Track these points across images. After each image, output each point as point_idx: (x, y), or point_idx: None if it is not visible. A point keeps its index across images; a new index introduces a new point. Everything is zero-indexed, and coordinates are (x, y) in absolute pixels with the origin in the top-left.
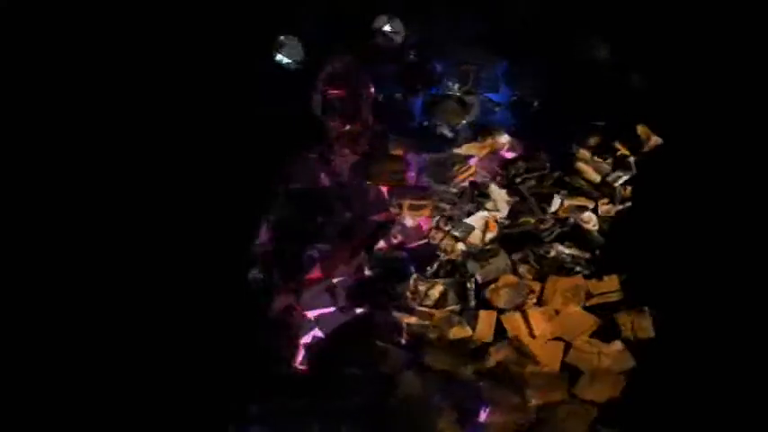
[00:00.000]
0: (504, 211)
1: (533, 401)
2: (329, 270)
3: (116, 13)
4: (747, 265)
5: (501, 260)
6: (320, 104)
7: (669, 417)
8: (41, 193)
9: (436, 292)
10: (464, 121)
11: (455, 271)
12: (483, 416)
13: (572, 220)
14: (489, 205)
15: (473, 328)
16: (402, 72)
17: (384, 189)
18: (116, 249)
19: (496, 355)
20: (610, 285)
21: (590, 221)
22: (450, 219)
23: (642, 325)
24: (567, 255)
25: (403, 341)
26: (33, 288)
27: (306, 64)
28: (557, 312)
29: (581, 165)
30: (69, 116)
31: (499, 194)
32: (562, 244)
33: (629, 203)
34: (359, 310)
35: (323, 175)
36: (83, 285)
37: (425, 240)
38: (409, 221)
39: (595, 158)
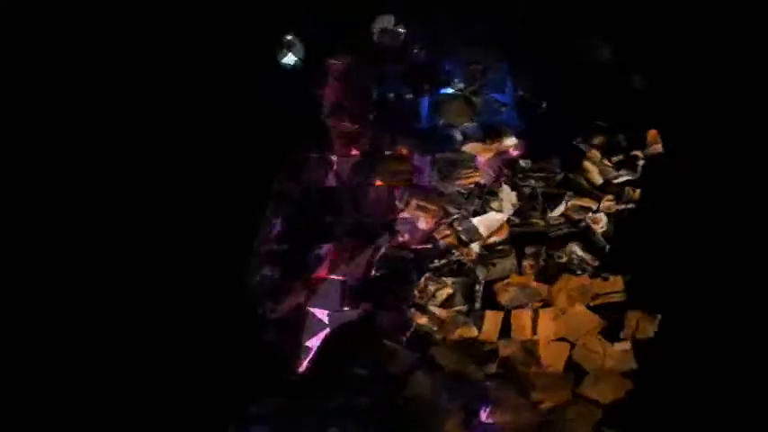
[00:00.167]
0: (511, 211)
1: (539, 401)
2: (336, 270)
3: (117, 13)
4: (752, 267)
5: (509, 261)
6: (320, 104)
7: (673, 419)
8: (52, 199)
9: (444, 292)
10: (471, 122)
11: (462, 270)
12: (490, 416)
13: (583, 223)
14: (495, 205)
15: (479, 329)
16: (408, 72)
17: (391, 189)
18: (119, 249)
19: (503, 351)
20: (614, 286)
21: (599, 223)
22: (456, 219)
23: (645, 327)
24: (577, 257)
25: (408, 340)
26: (41, 292)
27: (306, 64)
28: (562, 312)
29: (588, 165)
30: (70, 116)
31: (508, 195)
32: (573, 244)
33: (632, 205)
34: (366, 310)
35: (329, 175)
36: (83, 285)
37: (432, 240)
38: (416, 221)
39: (604, 161)
